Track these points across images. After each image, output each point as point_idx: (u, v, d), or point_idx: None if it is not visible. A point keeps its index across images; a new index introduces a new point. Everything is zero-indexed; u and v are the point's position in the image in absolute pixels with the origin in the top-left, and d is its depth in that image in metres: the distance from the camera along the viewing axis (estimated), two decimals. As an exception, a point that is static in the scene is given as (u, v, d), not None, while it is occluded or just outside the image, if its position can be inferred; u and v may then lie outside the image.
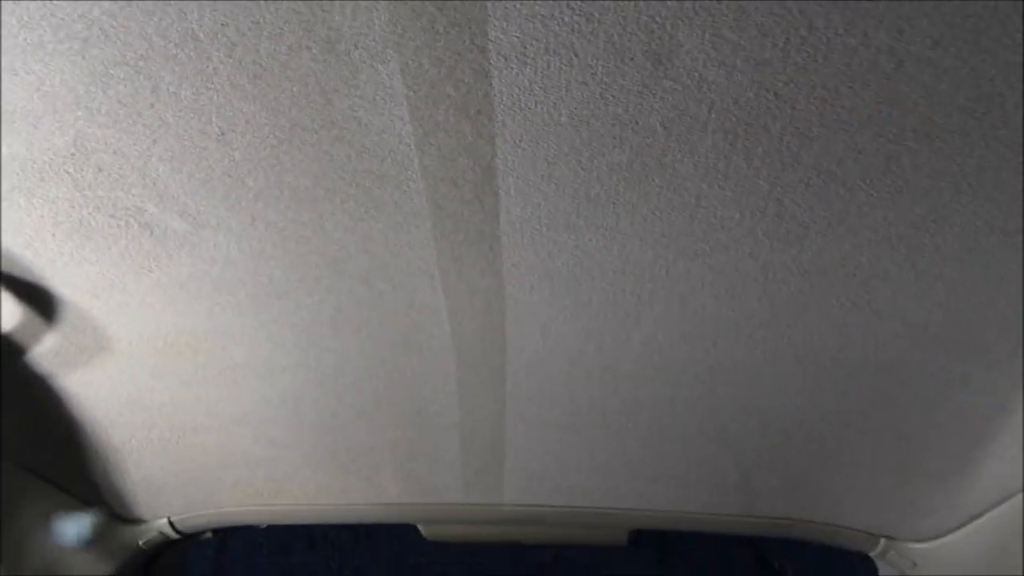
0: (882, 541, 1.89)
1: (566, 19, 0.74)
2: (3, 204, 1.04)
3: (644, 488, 1.82)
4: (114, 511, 1.99)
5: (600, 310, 1.27)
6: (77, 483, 1.85)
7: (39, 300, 1.29)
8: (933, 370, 1.37)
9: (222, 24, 0.76)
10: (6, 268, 1.19)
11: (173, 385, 1.55)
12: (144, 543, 2.11)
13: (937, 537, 1.78)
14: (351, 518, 2.05)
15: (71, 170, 0.99)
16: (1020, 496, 1.55)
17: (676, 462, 1.72)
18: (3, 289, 1.24)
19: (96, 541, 1.95)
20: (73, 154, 0.96)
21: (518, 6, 0.73)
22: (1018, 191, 0.96)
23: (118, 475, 1.85)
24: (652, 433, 1.63)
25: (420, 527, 2.14)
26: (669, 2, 0.72)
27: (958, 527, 1.72)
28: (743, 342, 1.33)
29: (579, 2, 0.73)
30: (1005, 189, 0.96)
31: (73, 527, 1.88)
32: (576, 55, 0.79)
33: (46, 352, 1.43)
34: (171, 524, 2.07)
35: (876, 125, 0.87)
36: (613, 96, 0.84)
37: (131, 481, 1.88)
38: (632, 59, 0.79)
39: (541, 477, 1.80)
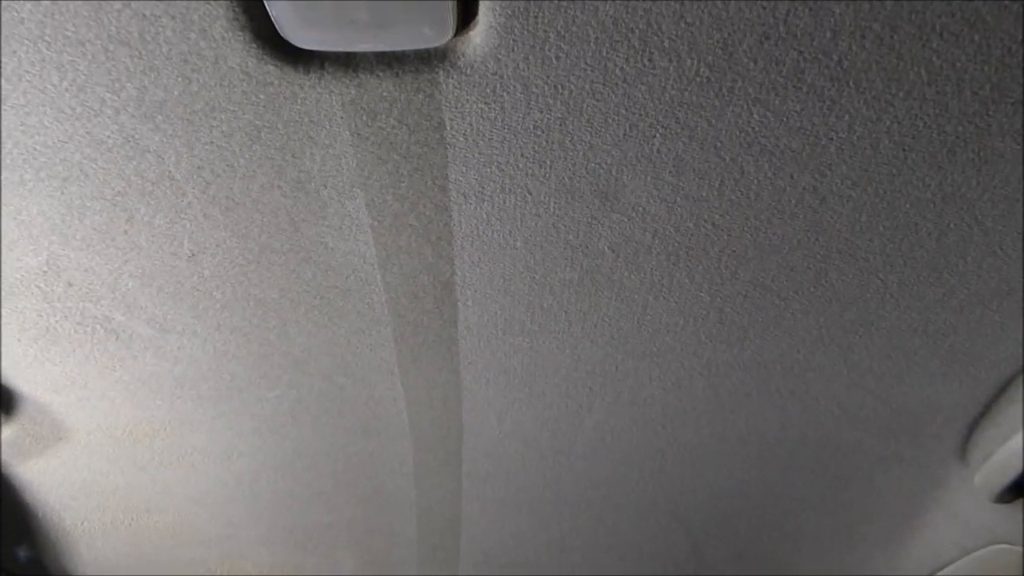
0: (827, 608, 1.95)
1: (520, 165, 0.81)
2: (-31, 314, 1.06)
3: (599, 560, 1.86)
4: (65, 594, 1.96)
5: (554, 400, 1.33)
6: (27, 568, 1.82)
7: (-2, 397, 1.30)
8: (868, 448, 1.46)
9: (198, 167, 0.81)
10: (-33, 370, 1.21)
11: (129, 470, 1.56)
12: (94, 624, 2.07)
13: (877, 604, 1.86)
14: (307, 595, 2.04)
15: (41, 285, 1.02)
16: (952, 566, 1.63)
17: (629, 536, 1.77)
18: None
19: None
20: (45, 272, 0.99)
21: (476, 155, 0.79)
22: (936, 301, 1.05)
23: (69, 558, 1.83)
24: (605, 509, 1.68)
25: (376, 602, 2.14)
26: (613, 151, 0.79)
27: (897, 595, 1.80)
28: (690, 426, 1.40)
29: (532, 150, 0.79)
30: (924, 299, 1.05)
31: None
32: (530, 193, 0.85)
33: (2, 442, 1.43)
34: (122, 605, 2.04)
35: (805, 248, 0.95)
36: (564, 226, 0.91)
37: (82, 563, 1.87)
38: (581, 197, 0.86)
39: (497, 553, 1.83)
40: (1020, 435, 1.28)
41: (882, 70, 0.70)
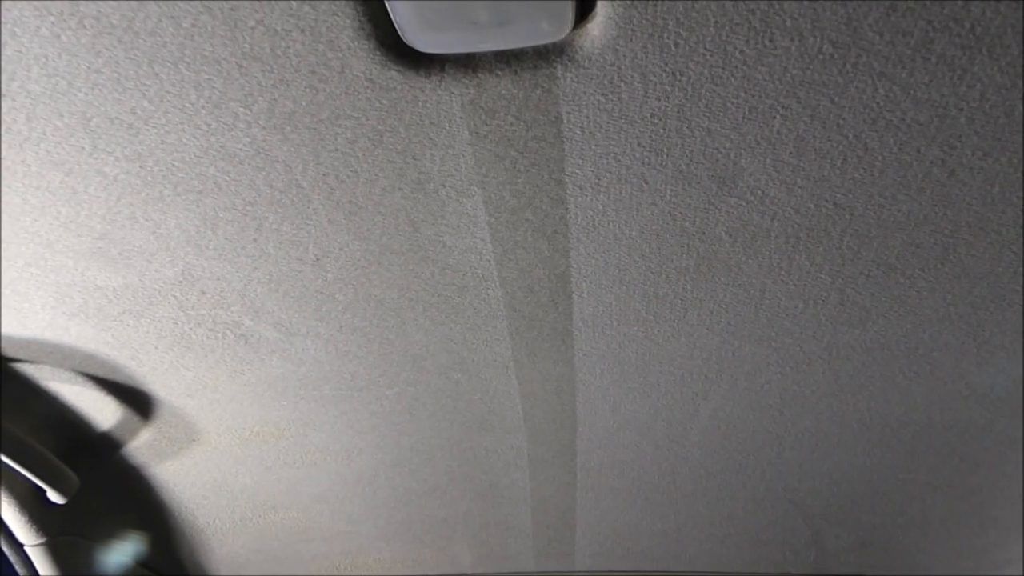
0: (958, 595, 1.88)
1: (637, 154, 0.81)
2: (116, 324, 1.13)
3: (715, 550, 1.84)
4: (200, 588, 2.06)
5: (668, 389, 1.32)
6: (165, 563, 1.93)
7: (138, 402, 1.38)
8: (999, 429, 1.40)
9: (324, 174, 0.84)
10: (111, 377, 1.29)
11: (256, 470, 1.63)
12: (226, 617, 2.17)
13: (1015, 590, 1.78)
14: (426, 588, 2.09)
15: (177, 295, 1.07)
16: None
17: (746, 524, 1.74)
18: (108, 395, 1.33)
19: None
20: (180, 282, 1.04)
21: (592, 146, 0.80)
22: (1075, 272, 1.00)
23: (203, 554, 1.93)
24: (721, 497, 1.66)
25: (493, 594, 2.17)
26: (732, 135, 0.78)
27: (1035, 580, 1.72)
28: (809, 411, 1.37)
29: (648, 138, 0.79)
30: (1062, 270, 1.00)
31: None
32: (646, 182, 0.85)
33: (141, 445, 1.52)
34: (252, 599, 2.13)
35: (932, 224, 0.92)
36: (681, 213, 0.90)
37: (215, 559, 1.96)
38: (698, 183, 0.85)
39: (612, 543, 1.84)
40: None
41: (1017, 34, 0.67)
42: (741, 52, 0.68)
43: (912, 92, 0.73)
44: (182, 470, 1.62)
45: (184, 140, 0.79)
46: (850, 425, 1.41)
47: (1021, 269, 1.00)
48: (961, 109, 0.75)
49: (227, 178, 0.85)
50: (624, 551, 1.87)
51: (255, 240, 0.96)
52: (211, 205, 0.89)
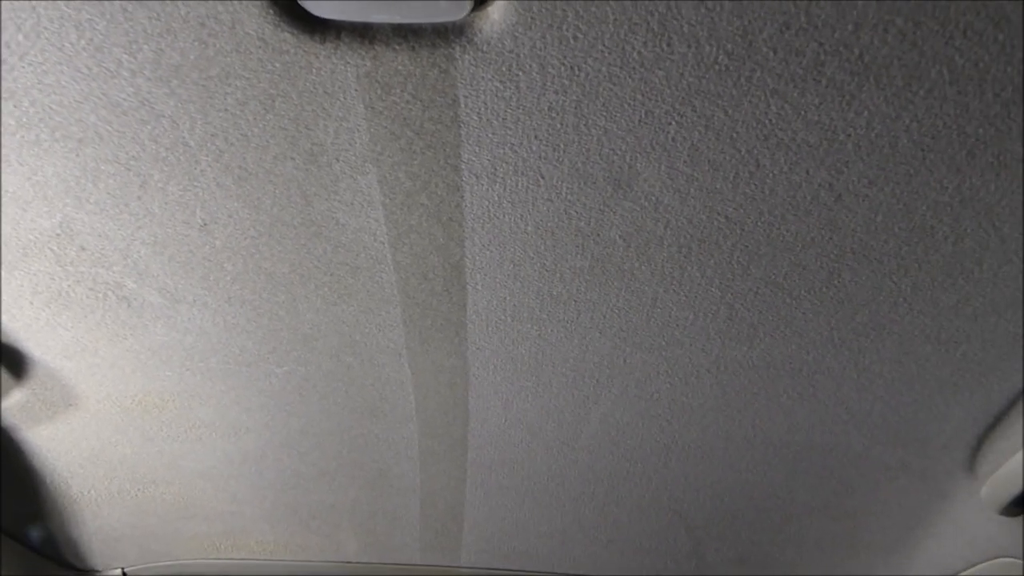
0: (825, 615, 1.94)
1: (533, 147, 0.80)
2: (-16, 275, 1.07)
3: (598, 554, 1.86)
4: (68, 561, 1.98)
5: (560, 390, 1.32)
6: (31, 532, 1.85)
7: (10, 360, 1.31)
8: (875, 455, 1.44)
9: (212, 134, 0.81)
10: (-19, 331, 1.22)
11: (137, 440, 1.57)
12: (97, 593, 2.10)
13: (877, 614, 1.84)
14: (308, 574, 2.06)
15: (55, 248, 1.02)
16: (956, 578, 1.62)
17: (630, 531, 1.76)
18: (-26, 350, 1.27)
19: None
20: (58, 235, 1.00)
21: (489, 135, 0.79)
22: (949, 307, 1.04)
23: (74, 526, 1.85)
24: (608, 502, 1.68)
25: (377, 585, 2.15)
26: (628, 137, 0.79)
27: (898, 605, 1.78)
28: (696, 424, 1.39)
29: (546, 132, 0.79)
30: (938, 305, 1.04)
31: (26, 576, 1.87)
32: (543, 176, 0.85)
33: (12, 406, 1.45)
34: (124, 575, 2.06)
35: (819, 247, 0.94)
36: (576, 212, 0.90)
37: (87, 532, 1.88)
38: (594, 183, 0.85)
39: (498, 542, 1.84)
40: (1029, 449, 1.27)
41: (903, 66, 0.69)
42: (639, 53, 0.69)
43: (803, 113, 0.74)
44: (56, 436, 1.55)
45: (63, 82, 0.75)
46: (735, 441, 1.44)
47: (901, 299, 1.03)
48: (849, 135, 0.77)
49: (109, 128, 0.81)
50: (510, 550, 1.87)
51: (139, 198, 0.92)
52: (92, 155, 0.85)
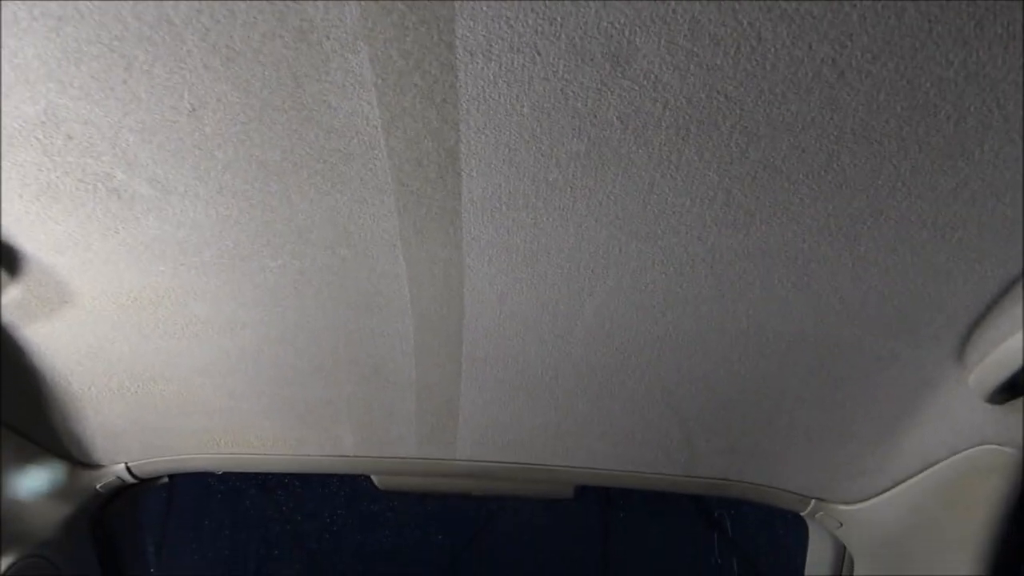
0: (812, 502, 2.01)
1: (530, 21, 0.78)
2: (-30, 166, 1.05)
3: (591, 446, 1.90)
4: (72, 456, 2.02)
5: (555, 282, 1.33)
6: (36, 429, 1.87)
7: (4, 255, 1.30)
8: (866, 346, 1.46)
9: (197, 11, 0.78)
10: (-30, 225, 1.21)
11: (134, 338, 1.58)
12: (101, 487, 2.15)
13: (863, 500, 1.90)
14: (307, 468, 2.10)
15: (40, 137, 1.00)
16: (941, 464, 1.66)
17: (623, 423, 1.80)
18: (-34, 244, 1.25)
19: (54, 485, 1.99)
20: (43, 122, 0.97)
21: (484, 8, 0.77)
22: (948, 191, 1.03)
23: (77, 422, 1.88)
24: (601, 395, 1.71)
25: (374, 478, 2.20)
26: (627, 10, 0.76)
27: (883, 491, 1.84)
28: (690, 315, 1.40)
29: (542, 5, 0.76)
30: (937, 188, 1.03)
31: (32, 472, 1.91)
32: (539, 53, 0.82)
33: (8, 303, 1.45)
34: (128, 469, 2.11)
35: (818, 127, 0.93)
36: (573, 92, 0.88)
37: (89, 428, 1.91)
38: (592, 59, 0.83)
39: (493, 434, 1.87)
40: (1019, 334, 1.28)
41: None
42: (639, -85, 0.66)
43: (807, -20, 0.72)
44: (54, 333, 1.56)
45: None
46: (728, 332, 1.45)
47: (899, 183, 1.03)
48: (854, 5, 0.75)
49: (90, 5, 0.78)
50: (505, 443, 1.91)
51: (125, 81, 0.90)
52: (73, 35, 0.82)
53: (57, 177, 1.09)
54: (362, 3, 0.76)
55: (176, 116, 0.96)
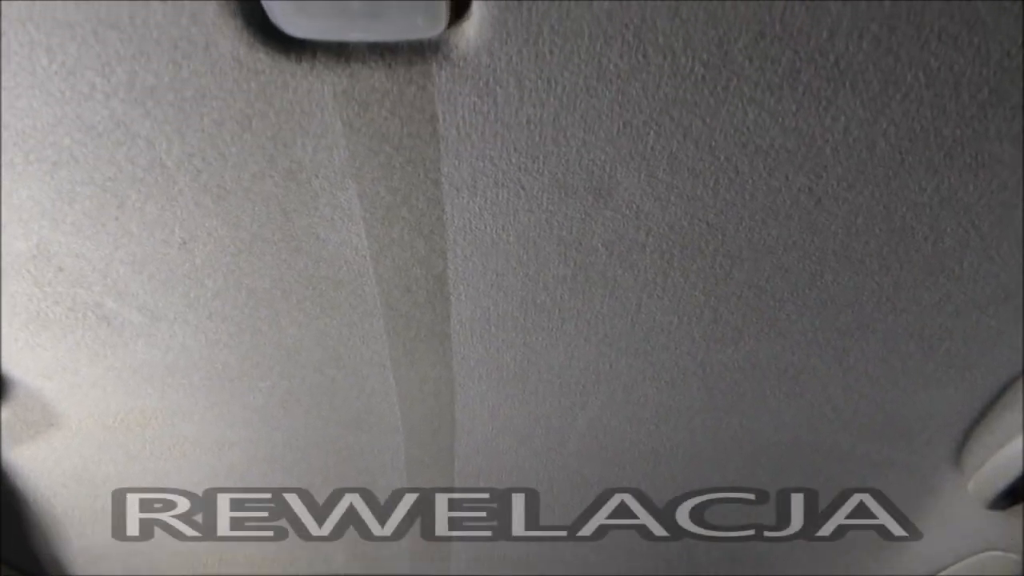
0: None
1: (513, 160, 0.80)
2: (-40, 298, 1.06)
3: (587, 557, 1.86)
4: (54, 580, 1.96)
5: (547, 396, 1.32)
6: (16, 553, 1.82)
7: (-11, 380, 1.30)
8: (861, 452, 1.45)
9: (189, 154, 0.80)
10: (-42, 353, 1.21)
11: (120, 458, 1.56)
12: (83, 611, 2.07)
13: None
14: (298, 587, 2.04)
15: (31, 269, 1.01)
16: (946, 571, 1.63)
17: (619, 534, 1.76)
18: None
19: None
20: (35, 256, 0.98)
21: (469, 148, 0.79)
22: (932, 305, 1.04)
23: (58, 545, 1.83)
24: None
25: (367, 595, 2.14)
26: (608, 148, 0.79)
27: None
28: (683, 426, 1.39)
29: (525, 145, 0.78)
30: (921, 303, 1.04)
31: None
32: (523, 188, 0.84)
33: (-3, 426, 1.43)
34: (109, 593, 2.04)
35: (800, 249, 0.95)
36: (558, 222, 0.90)
37: (72, 550, 1.86)
38: (575, 192, 0.85)
39: (488, 549, 1.83)
40: (1016, 441, 1.28)
41: (879, 71, 0.69)
42: (615, 65, 0.68)
43: (780, 119, 0.74)
44: (38, 456, 1.53)
45: (35, 106, 0.74)
46: (722, 442, 1.44)
47: (883, 298, 1.04)
48: (827, 140, 0.77)
49: (84, 150, 0.80)
50: (500, 558, 1.87)
51: (117, 218, 0.91)
52: (67, 178, 0.84)
53: (47, 306, 1.10)
54: (350, 145, 0.79)
55: (167, 249, 0.97)
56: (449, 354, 1.20)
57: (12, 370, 1.27)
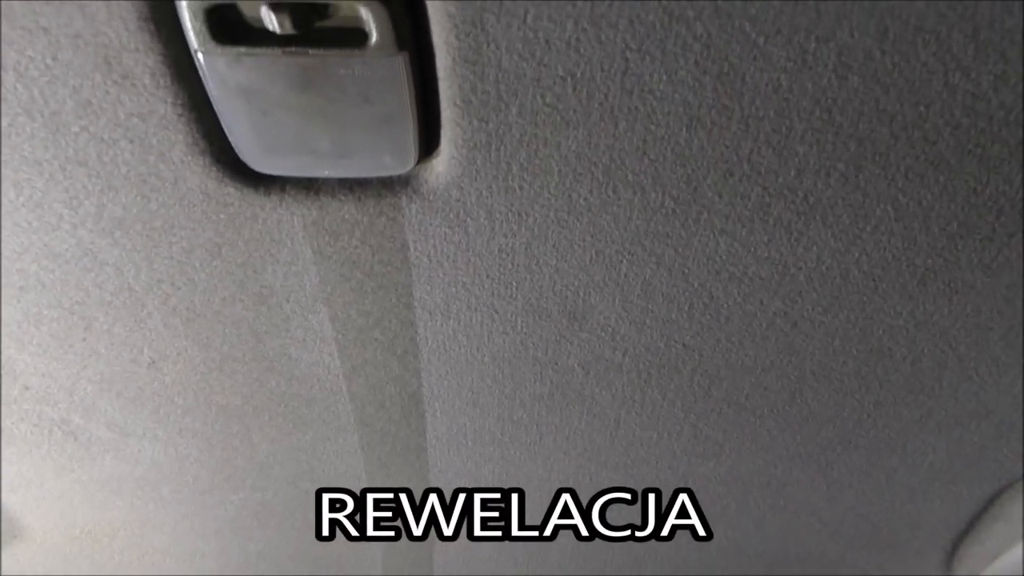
0: None
1: (486, 285, 0.80)
2: (-78, 417, 1.03)
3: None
4: None
5: (528, 507, 1.29)
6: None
7: (-49, 495, 1.26)
8: (850, 562, 1.42)
9: (158, 280, 0.79)
10: (-81, 469, 1.17)
11: (86, 569, 1.50)
12: None
13: None
14: None
15: (-4, 388, 0.99)
16: None
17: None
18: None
19: None
20: (-1, 376, 0.96)
21: (440, 275, 0.78)
22: (913, 422, 1.03)
23: (22, 659, 1.75)
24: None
25: None
26: (580, 275, 0.78)
27: None
28: (665, 540, 1.36)
29: (497, 272, 0.78)
30: (902, 419, 1.03)
31: None
32: (496, 312, 0.84)
33: (-46, 540, 1.38)
34: None
35: (778, 369, 0.94)
36: (532, 343, 0.89)
37: (35, 665, 1.78)
38: (549, 316, 0.84)
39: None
40: (1011, 552, 1.25)
41: (848, 206, 0.69)
42: (586, 200, 0.68)
43: (752, 249, 0.74)
44: (3, 568, 1.48)
45: (1, 235, 0.74)
46: (709, 553, 1.41)
47: (864, 415, 1.03)
48: (800, 268, 0.77)
49: (52, 277, 0.79)
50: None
51: (84, 339, 0.89)
52: (33, 301, 0.83)
53: (12, 423, 1.07)
54: (321, 272, 0.78)
55: (135, 368, 0.95)
56: (425, 468, 1.17)
57: (-25, 483, 1.23)
